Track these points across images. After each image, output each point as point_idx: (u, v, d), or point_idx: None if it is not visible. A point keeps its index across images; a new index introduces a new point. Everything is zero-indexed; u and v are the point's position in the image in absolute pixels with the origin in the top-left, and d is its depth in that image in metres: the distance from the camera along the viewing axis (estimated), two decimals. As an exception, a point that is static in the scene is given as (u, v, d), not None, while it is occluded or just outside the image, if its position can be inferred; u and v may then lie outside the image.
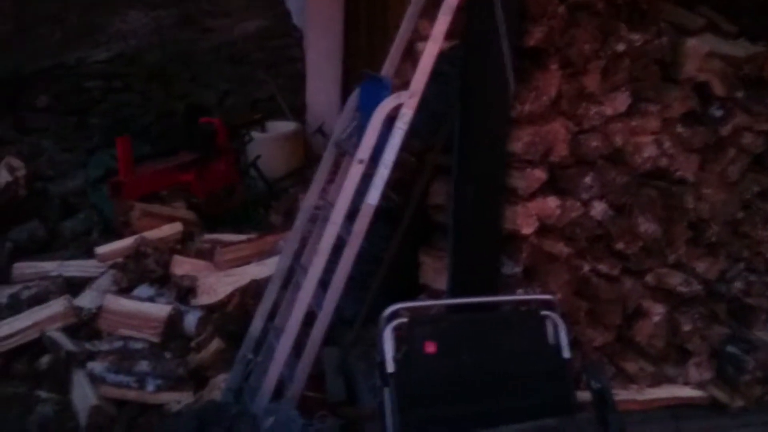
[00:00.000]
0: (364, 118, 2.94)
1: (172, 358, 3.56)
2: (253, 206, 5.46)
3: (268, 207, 5.72)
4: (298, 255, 3.16)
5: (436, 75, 2.81)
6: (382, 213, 2.87)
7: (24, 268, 4.48)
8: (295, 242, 3.12)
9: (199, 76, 6.92)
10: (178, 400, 3.41)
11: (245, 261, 3.92)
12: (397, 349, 2.48)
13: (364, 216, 2.69)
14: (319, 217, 3.13)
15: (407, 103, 2.67)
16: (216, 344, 3.56)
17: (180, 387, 3.45)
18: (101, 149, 5.81)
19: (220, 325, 3.62)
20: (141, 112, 6.70)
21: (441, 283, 3.30)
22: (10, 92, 6.50)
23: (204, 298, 3.70)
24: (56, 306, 3.92)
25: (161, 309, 3.67)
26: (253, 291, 3.66)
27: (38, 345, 3.82)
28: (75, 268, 4.34)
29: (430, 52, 2.64)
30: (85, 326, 3.91)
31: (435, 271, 3.34)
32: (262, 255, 3.94)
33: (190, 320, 3.66)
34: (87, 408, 3.34)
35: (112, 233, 4.90)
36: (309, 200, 3.09)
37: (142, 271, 4.00)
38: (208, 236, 4.29)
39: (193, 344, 3.59)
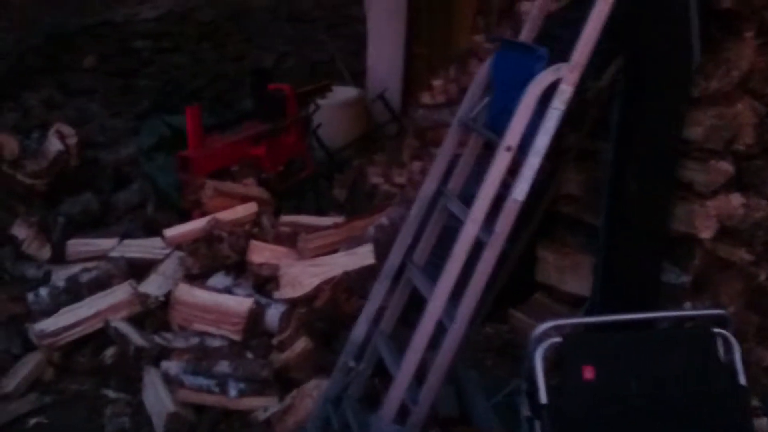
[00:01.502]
0: (500, 94, 2.47)
1: (254, 359, 3.19)
2: (317, 180, 5.06)
3: (330, 180, 5.35)
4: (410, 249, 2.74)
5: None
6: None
7: (79, 245, 4.15)
8: (409, 236, 2.69)
9: (255, 36, 6.45)
10: (264, 407, 3.05)
11: (331, 248, 3.50)
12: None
13: (509, 214, 2.24)
14: (436, 207, 2.69)
15: (567, 77, 2.18)
16: (303, 343, 3.19)
17: (265, 391, 3.09)
18: (152, 114, 5.42)
19: (306, 322, 3.24)
20: (192, 74, 6.27)
21: (570, 284, 2.93)
22: (55, 51, 6.08)
23: (288, 291, 3.31)
24: (120, 293, 3.56)
25: (241, 302, 3.28)
26: (346, 284, 3.25)
27: (100, 335, 3.47)
28: (137, 248, 3.97)
29: (599, 11, 2.14)
30: (151, 315, 3.55)
31: (559, 269, 2.96)
32: (350, 242, 3.51)
33: (272, 315, 3.28)
34: (163, 414, 2.99)
35: (167, 206, 4.56)
36: (429, 187, 2.64)
37: (214, 256, 3.60)
38: (286, 218, 3.87)
39: (275, 342, 3.22)
